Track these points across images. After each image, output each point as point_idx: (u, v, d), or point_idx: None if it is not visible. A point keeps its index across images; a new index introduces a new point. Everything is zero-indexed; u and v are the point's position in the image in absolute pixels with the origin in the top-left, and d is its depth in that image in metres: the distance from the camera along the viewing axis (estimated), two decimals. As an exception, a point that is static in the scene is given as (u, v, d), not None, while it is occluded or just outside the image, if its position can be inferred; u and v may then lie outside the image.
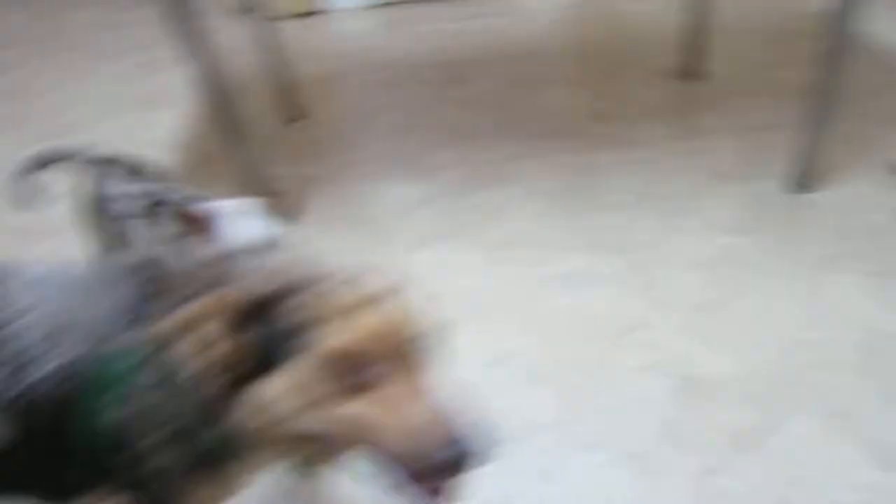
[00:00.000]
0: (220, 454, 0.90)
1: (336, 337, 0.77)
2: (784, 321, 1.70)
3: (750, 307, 1.74)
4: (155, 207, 1.44)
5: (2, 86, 3.31)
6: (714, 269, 1.86)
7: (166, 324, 0.81)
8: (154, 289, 0.92)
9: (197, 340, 0.80)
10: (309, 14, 3.79)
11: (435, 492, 0.81)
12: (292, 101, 2.76)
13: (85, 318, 0.93)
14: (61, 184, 1.57)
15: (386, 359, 0.79)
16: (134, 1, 4.18)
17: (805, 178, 2.09)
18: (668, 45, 2.97)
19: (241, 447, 0.89)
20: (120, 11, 4.13)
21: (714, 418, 1.49)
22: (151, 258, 0.99)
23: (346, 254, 2.01)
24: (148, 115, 2.92)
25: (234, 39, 2.57)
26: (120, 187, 1.49)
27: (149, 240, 1.42)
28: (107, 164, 1.55)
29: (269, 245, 1.42)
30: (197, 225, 1.44)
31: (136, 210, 1.45)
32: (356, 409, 0.78)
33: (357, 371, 0.78)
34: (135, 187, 1.49)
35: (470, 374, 1.61)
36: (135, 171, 1.54)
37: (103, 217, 1.48)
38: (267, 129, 2.70)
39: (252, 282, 0.83)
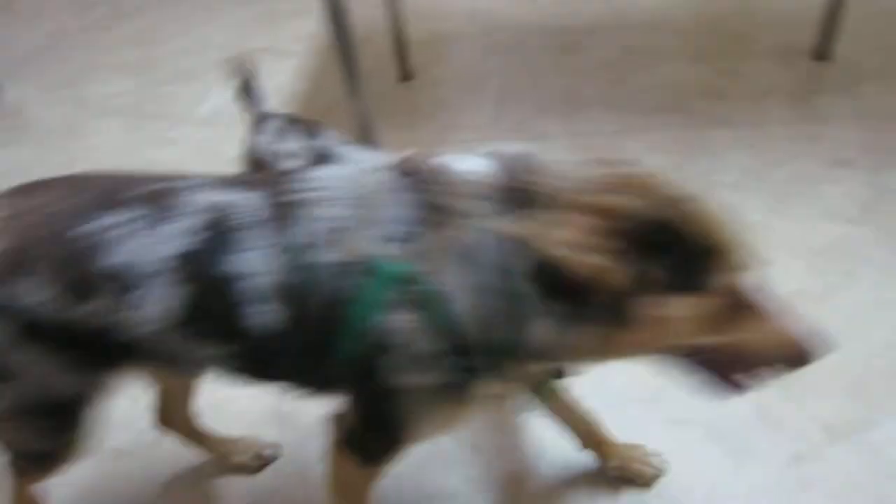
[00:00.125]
0: (485, 374, 1.00)
1: (734, 271, 0.92)
2: (894, 316, 1.69)
3: (859, 299, 1.74)
4: (321, 159, 1.53)
5: (128, 32, 3.54)
6: (823, 257, 1.86)
7: (539, 228, 0.88)
8: (445, 196, 0.97)
9: (582, 248, 0.86)
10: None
11: (738, 386, 1.02)
12: (405, 60, 2.86)
13: (376, 218, 0.98)
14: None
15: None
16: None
17: None
18: (800, 23, 2.87)
19: (510, 368, 1.00)
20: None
21: (810, 406, 1.52)
22: (436, 166, 1.02)
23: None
24: (266, 65, 3.06)
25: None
26: (287, 141, 1.60)
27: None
28: (268, 119, 1.67)
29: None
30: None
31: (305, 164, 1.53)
32: (738, 327, 0.95)
33: (741, 297, 0.95)
34: (296, 142, 1.59)
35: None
36: (294, 125, 1.64)
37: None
38: (380, 86, 2.80)
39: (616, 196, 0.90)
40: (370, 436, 1.12)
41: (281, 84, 2.88)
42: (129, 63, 3.24)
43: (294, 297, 0.98)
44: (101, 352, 1.06)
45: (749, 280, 0.94)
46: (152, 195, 1.02)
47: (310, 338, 1.00)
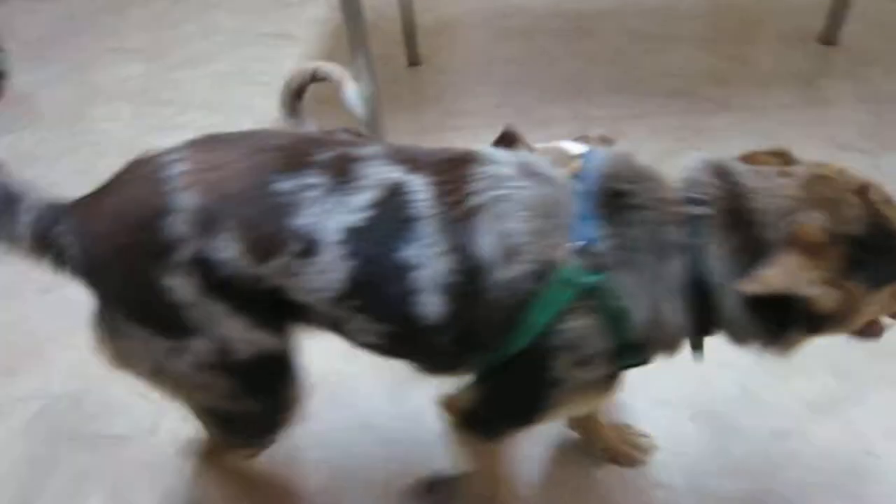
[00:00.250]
0: (637, 366, 1.08)
1: None
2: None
3: (850, 283, 1.82)
4: None
5: (137, 17, 3.62)
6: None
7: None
8: (630, 201, 1.01)
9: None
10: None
11: (880, 331, 1.12)
12: (413, 46, 2.93)
13: (556, 223, 1.01)
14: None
15: None
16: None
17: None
18: (809, 8, 2.95)
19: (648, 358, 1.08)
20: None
21: (793, 385, 1.61)
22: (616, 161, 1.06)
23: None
24: (274, 50, 3.17)
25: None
26: None
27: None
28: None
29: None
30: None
31: None
32: None
33: None
34: None
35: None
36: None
37: None
38: (388, 71, 2.87)
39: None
40: (499, 418, 1.18)
41: (289, 69, 2.96)
42: (137, 48, 3.32)
43: (462, 295, 1.01)
44: (278, 312, 1.09)
45: None
46: (333, 161, 1.04)
47: (471, 331, 1.04)
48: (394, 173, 1.04)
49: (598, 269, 0.98)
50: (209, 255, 1.01)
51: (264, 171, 1.03)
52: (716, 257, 0.98)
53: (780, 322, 0.99)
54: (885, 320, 1.11)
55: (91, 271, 1.06)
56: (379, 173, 1.03)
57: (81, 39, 3.44)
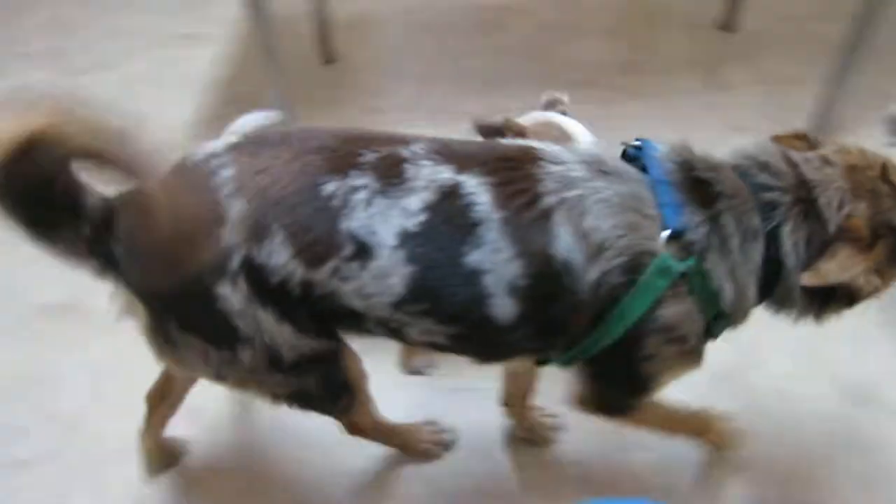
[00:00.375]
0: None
1: None
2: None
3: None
4: None
5: (41, 19, 3.53)
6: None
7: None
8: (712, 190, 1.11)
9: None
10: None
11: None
12: (328, 43, 2.98)
13: (643, 215, 1.08)
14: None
15: None
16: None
17: (818, 134, 2.29)
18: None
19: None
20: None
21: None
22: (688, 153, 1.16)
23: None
24: (184, 51, 3.17)
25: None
26: None
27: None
28: None
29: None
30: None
31: None
32: None
33: None
34: None
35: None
36: None
37: None
38: (303, 69, 2.93)
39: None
40: (621, 395, 1.28)
41: (201, 71, 3.00)
42: (39, 53, 3.25)
43: (542, 296, 1.06)
44: (329, 317, 1.11)
45: None
46: (381, 162, 1.06)
47: (552, 327, 1.10)
48: (444, 174, 1.06)
49: (691, 255, 1.07)
50: (259, 262, 1.03)
51: (311, 173, 1.05)
52: (791, 243, 1.11)
53: (824, 299, 1.16)
54: None
55: (144, 282, 1.07)
56: (429, 174, 1.06)
57: (-26, 47, 3.33)
